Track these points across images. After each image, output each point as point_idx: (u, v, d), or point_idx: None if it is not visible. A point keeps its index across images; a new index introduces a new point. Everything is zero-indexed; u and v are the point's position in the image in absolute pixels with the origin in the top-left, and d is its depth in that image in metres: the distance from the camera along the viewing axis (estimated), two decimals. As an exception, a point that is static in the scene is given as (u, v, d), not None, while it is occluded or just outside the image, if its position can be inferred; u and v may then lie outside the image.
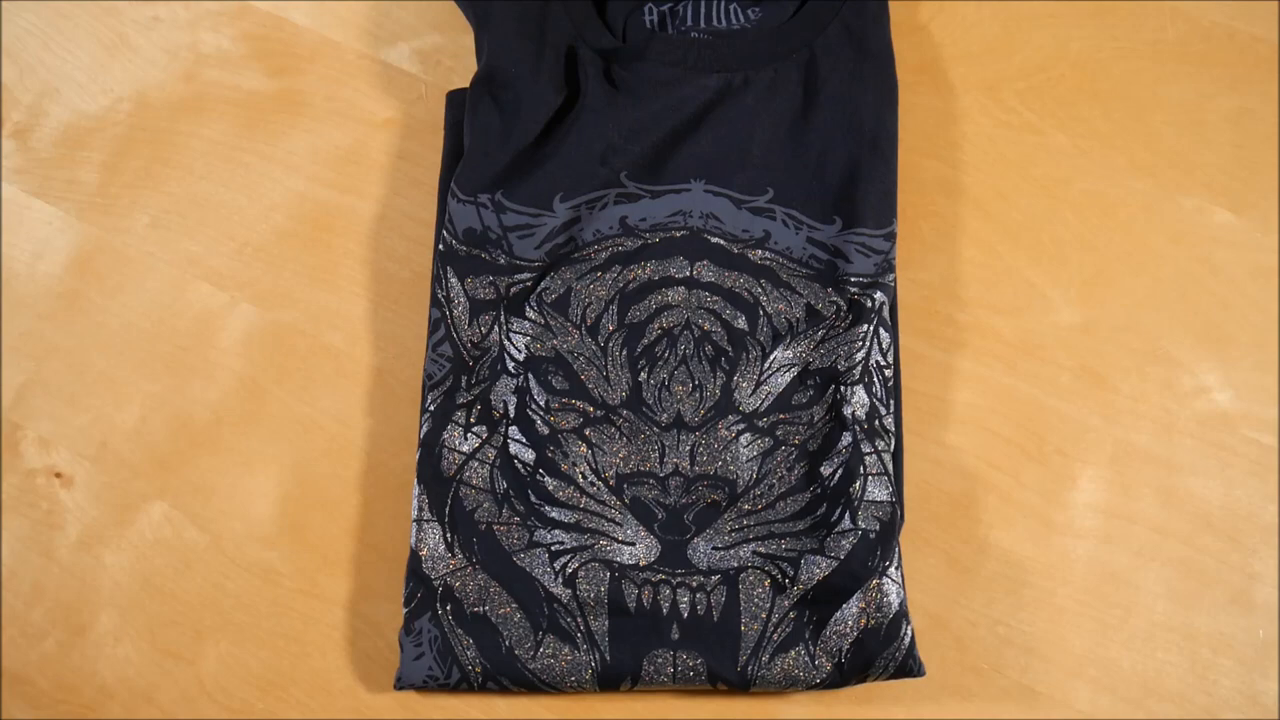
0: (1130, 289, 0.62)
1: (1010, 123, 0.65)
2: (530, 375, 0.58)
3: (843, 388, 0.56)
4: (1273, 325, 0.61)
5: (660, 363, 0.57)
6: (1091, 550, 0.58)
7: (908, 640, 0.53)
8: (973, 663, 0.56)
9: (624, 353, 0.58)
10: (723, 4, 0.63)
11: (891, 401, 0.57)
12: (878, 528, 0.55)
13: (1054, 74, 0.65)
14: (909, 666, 0.53)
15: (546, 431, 0.57)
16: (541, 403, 0.57)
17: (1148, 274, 0.62)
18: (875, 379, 0.57)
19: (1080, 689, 0.56)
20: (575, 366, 0.58)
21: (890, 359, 0.58)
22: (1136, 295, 0.61)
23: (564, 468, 0.56)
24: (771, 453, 0.56)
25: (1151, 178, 0.63)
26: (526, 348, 0.58)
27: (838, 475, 0.55)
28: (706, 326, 0.58)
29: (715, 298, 0.58)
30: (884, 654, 0.53)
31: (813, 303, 0.58)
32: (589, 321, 0.58)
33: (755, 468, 0.56)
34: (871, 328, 0.57)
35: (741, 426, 0.57)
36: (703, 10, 0.63)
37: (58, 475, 0.61)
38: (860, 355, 0.57)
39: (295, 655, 0.58)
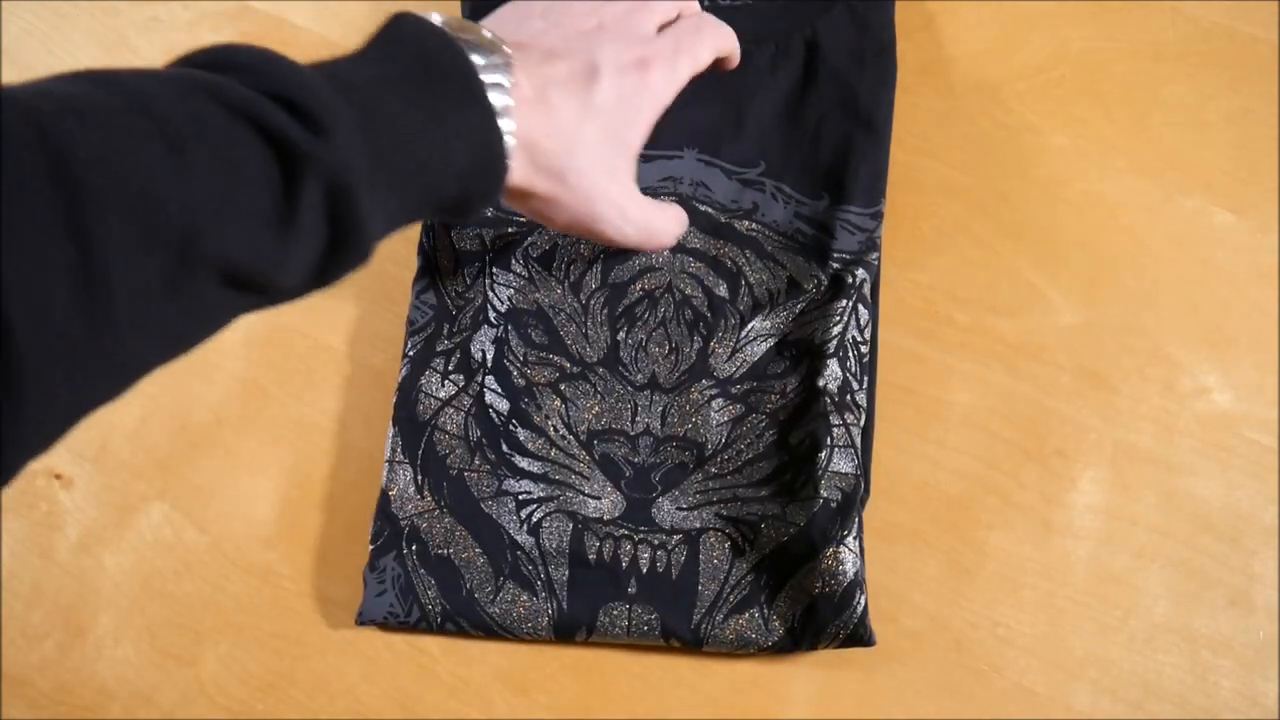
0: (1130, 290, 0.61)
1: (1010, 123, 0.65)
2: (510, 327, 0.58)
3: (816, 360, 0.57)
4: (1273, 326, 0.61)
5: (639, 323, 0.58)
6: (1091, 551, 0.57)
7: (860, 609, 0.54)
8: (972, 664, 0.56)
9: (604, 311, 0.58)
10: (726, -21, 0.63)
11: (865, 378, 0.58)
12: (840, 498, 0.55)
13: (1054, 74, 0.65)
14: (860, 635, 0.54)
15: (522, 383, 0.58)
16: (519, 355, 0.58)
17: (1148, 275, 0.62)
18: (850, 354, 0.57)
19: (1080, 690, 0.56)
20: (555, 322, 0.58)
21: (867, 335, 0.58)
22: (1137, 296, 0.61)
23: (537, 420, 0.57)
24: (742, 419, 0.57)
25: (1152, 178, 0.63)
26: (510, 300, 0.59)
27: (804, 444, 0.56)
28: (688, 291, 0.59)
29: (699, 264, 0.59)
30: (836, 621, 0.54)
31: (795, 276, 0.59)
32: (572, 278, 0.59)
33: (725, 433, 0.57)
34: (850, 303, 0.58)
35: (714, 391, 0.57)
36: (706, -17, 0.63)
37: (57, 476, 0.61)
38: (837, 329, 0.57)
39: (295, 657, 0.58)
